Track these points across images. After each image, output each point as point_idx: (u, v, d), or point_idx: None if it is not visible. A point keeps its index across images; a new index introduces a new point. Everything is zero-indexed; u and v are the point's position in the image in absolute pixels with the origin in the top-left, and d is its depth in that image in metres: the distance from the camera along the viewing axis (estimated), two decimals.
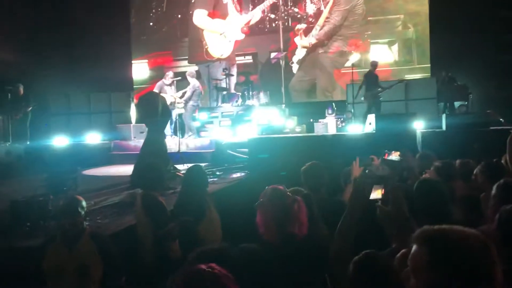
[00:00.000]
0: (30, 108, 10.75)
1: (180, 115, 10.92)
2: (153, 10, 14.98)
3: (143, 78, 14.96)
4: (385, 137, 7.15)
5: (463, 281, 1.23)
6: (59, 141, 10.60)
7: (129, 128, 11.16)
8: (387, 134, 7.28)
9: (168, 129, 10.27)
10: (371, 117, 8.75)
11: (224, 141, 9.59)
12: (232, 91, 12.40)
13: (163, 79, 11.31)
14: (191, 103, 10.89)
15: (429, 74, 12.54)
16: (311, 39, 13.48)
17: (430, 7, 12.50)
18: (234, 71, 13.39)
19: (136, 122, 11.41)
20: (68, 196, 3.37)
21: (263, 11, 13.80)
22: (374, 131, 8.14)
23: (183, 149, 9.31)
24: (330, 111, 11.13)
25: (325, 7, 13.40)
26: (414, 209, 2.45)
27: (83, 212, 3.13)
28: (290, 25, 13.78)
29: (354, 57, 12.96)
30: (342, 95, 12.78)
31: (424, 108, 10.44)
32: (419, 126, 8.21)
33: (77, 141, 10.83)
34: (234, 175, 7.49)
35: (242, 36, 13.85)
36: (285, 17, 13.83)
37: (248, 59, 14.13)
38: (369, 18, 13.13)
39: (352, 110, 10.91)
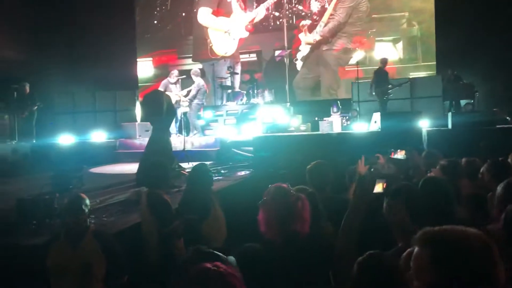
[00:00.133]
0: (36, 107, 10.80)
1: (185, 114, 10.94)
2: (158, 8, 14.99)
3: (147, 76, 15.00)
4: (390, 135, 7.12)
5: (465, 282, 1.23)
6: (65, 139, 10.66)
7: (134, 127, 11.19)
8: (392, 133, 7.25)
9: (173, 128, 10.30)
10: (377, 116, 8.72)
11: (229, 139, 9.59)
12: (237, 89, 12.41)
13: (168, 78, 11.33)
14: (196, 101, 10.90)
15: (434, 72, 12.48)
16: (315, 36, 13.46)
17: (436, 4, 12.43)
18: (238, 69, 13.40)
19: (141, 121, 11.44)
20: (72, 194, 3.37)
21: (267, 9, 13.79)
22: (379, 130, 8.12)
23: (188, 147, 9.33)
24: (335, 109, 11.10)
25: (329, 4, 13.36)
26: (419, 207, 2.43)
27: (86, 210, 3.13)
28: (294, 22, 13.75)
29: (358, 55, 12.92)
30: (347, 93, 12.75)
31: (429, 106, 10.39)
32: (424, 124, 8.18)
33: (83, 139, 10.88)
34: (239, 174, 7.50)
35: (246, 34, 13.85)
36: (289, 15, 13.80)
37: (253, 57, 14.12)
38: (373, 16, 13.07)
39: (357, 108, 10.88)
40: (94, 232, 3.18)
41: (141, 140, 10.24)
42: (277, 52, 13.88)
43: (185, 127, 10.32)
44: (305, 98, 13.45)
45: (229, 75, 12.12)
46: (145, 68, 15.06)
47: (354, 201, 2.39)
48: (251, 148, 8.48)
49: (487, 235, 1.31)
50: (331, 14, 13.32)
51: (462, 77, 11.24)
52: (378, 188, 2.72)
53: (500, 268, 1.25)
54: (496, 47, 11.02)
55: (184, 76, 11.47)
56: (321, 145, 7.62)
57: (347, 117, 11.15)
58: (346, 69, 13.18)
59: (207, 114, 11.14)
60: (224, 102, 11.91)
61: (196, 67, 12.57)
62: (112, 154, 10.17)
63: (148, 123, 8.60)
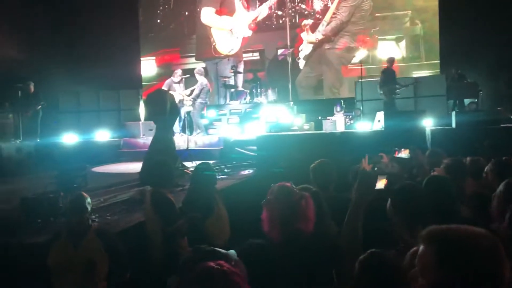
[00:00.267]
0: (40, 106, 10.84)
1: (188, 113, 10.95)
2: (161, 8, 15.01)
3: (150, 75, 15.02)
4: (394, 134, 7.11)
5: (472, 280, 1.22)
6: (69, 138, 10.70)
7: (138, 126, 11.22)
8: (396, 132, 7.23)
9: (176, 127, 10.32)
10: (380, 115, 8.71)
11: (232, 138, 9.60)
12: (240, 88, 12.41)
13: (172, 77, 11.35)
14: (199, 100, 10.91)
15: (437, 71, 12.45)
16: (317, 35, 13.45)
17: (440, 3, 12.39)
18: (241, 68, 13.42)
19: (145, 120, 11.46)
20: (73, 193, 3.37)
21: (270, 8, 13.79)
22: (383, 129, 8.11)
23: (192, 146, 9.36)
24: (338, 109, 11.09)
25: (332, 3, 13.35)
26: (423, 206, 2.43)
27: (89, 209, 3.13)
28: (297, 21, 13.74)
29: (361, 53, 12.91)
30: (349, 92, 12.73)
31: (433, 105, 10.37)
32: (428, 123, 8.16)
33: (87, 138, 10.92)
34: (243, 172, 7.51)
35: (249, 33, 13.86)
36: (292, 14, 13.79)
37: (256, 56, 14.12)
38: (376, 14, 13.05)
39: (361, 108, 10.87)
40: (96, 230, 3.19)
41: (145, 139, 10.27)
42: (280, 51, 13.87)
43: (189, 126, 10.34)
44: (307, 97, 13.44)
45: (232, 74, 12.13)
46: (148, 67, 15.08)
47: (355, 198, 2.38)
48: (254, 147, 8.48)
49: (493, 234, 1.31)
50: (334, 13, 13.30)
51: (466, 76, 11.20)
52: (380, 184, 2.72)
53: (506, 267, 1.25)
54: (500, 46, 10.97)
55: (187, 75, 11.49)
56: (324, 144, 7.61)
57: (350, 116, 11.15)
58: (349, 67, 13.16)
59: (211, 113, 11.15)
60: (228, 101, 11.92)
61: (199, 66, 12.59)
62: (116, 153, 10.19)
63: (152, 122, 8.62)
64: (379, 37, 13.04)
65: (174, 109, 7.31)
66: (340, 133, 8.98)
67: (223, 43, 13.99)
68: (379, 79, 10.42)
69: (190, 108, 10.99)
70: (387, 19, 13.03)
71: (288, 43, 13.49)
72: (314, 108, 12.06)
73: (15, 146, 9.44)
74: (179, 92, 10.88)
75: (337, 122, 10.44)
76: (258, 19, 13.83)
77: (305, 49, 13.60)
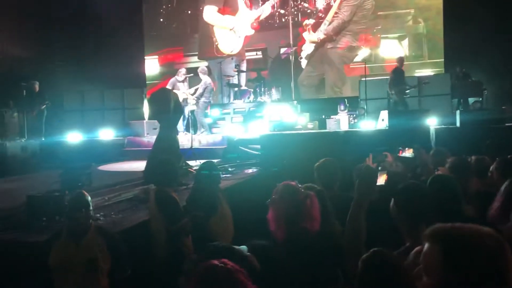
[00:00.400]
0: (44, 106, 10.89)
1: (192, 112, 10.96)
2: (163, 6, 15.00)
3: (153, 74, 15.02)
4: (398, 133, 7.10)
5: (477, 279, 1.22)
6: (73, 137, 10.73)
7: (142, 125, 11.25)
8: (400, 131, 7.22)
9: (180, 126, 10.33)
10: (384, 113, 8.69)
11: (236, 137, 9.60)
12: (244, 87, 12.41)
13: (176, 76, 11.36)
14: (203, 99, 10.92)
15: (440, 69, 12.39)
16: (319, 34, 13.42)
17: (444, 1, 12.33)
18: (244, 66, 13.40)
19: (149, 119, 11.48)
20: (74, 192, 3.38)
21: (273, 6, 13.76)
22: (387, 128, 8.09)
23: (196, 145, 9.36)
24: (342, 107, 11.05)
25: (334, 2, 13.32)
26: (427, 205, 2.43)
27: (89, 207, 3.13)
28: (299, 20, 13.71)
29: (363, 52, 12.88)
30: (352, 90, 12.70)
31: (437, 104, 10.33)
32: (432, 122, 8.13)
33: (91, 137, 10.95)
34: (246, 171, 7.51)
35: (252, 32, 13.84)
36: (295, 12, 13.76)
37: (258, 54, 14.10)
38: (379, 13, 12.99)
39: (365, 107, 10.84)
40: (96, 228, 3.20)
41: (149, 138, 10.29)
42: (282, 50, 13.86)
43: (193, 125, 10.35)
44: (309, 96, 13.41)
45: (236, 73, 12.13)
46: (151, 66, 15.08)
47: (356, 196, 2.38)
48: (258, 146, 8.48)
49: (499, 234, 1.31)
50: (336, 13, 13.27)
51: (470, 74, 11.15)
52: (381, 180, 2.71)
53: (511, 266, 1.24)
54: (505, 44, 10.91)
55: (191, 74, 11.50)
56: (328, 143, 7.60)
57: (354, 115, 11.11)
58: (351, 66, 13.13)
59: (214, 112, 11.15)
60: (231, 100, 11.92)
61: (202, 65, 12.60)
62: (120, 152, 10.23)
63: (156, 121, 8.64)
64: (381, 36, 13.01)
65: (178, 108, 7.31)
66: (344, 132, 8.96)
67: (225, 42, 13.97)
68: (382, 78, 10.43)
69: (194, 107, 11.00)
70: (390, 17, 12.98)
71: (291, 42, 13.47)
72: (317, 107, 12.03)
73: (20, 145, 9.49)
74: (183, 91, 10.89)
75: (341, 121, 10.40)
76: (261, 18, 13.81)
77: (307, 48, 13.57)
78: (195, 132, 10.40)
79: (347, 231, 2.32)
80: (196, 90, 11.06)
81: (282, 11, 13.85)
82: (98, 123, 11.92)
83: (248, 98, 11.64)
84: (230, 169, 7.62)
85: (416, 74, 12.10)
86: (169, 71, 14.01)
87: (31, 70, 12.11)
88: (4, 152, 8.85)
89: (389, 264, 1.69)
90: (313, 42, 13.51)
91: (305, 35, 13.53)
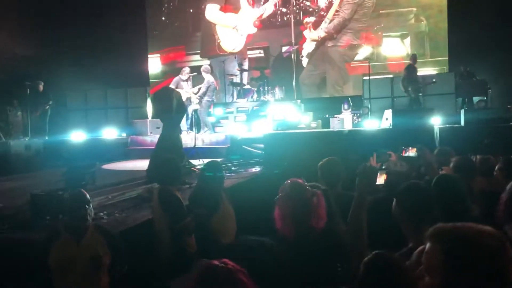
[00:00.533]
0: (48, 106, 10.92)
1: (195, 111, 10.98)
2: (165, 5, 15.00)
3: (155, 73, 15.05)
4: (402, 132, 7.08)
5: (479, 279, 1.22)
6: (77, 136, 10.76)
7: (145, 124, 11.27)
8: (404, 130, 7.20)
9: (184, 125, 10.34)
10: (388, 113, 8.67)
11: (239, 136, 9.60)
12: (246, 86, 12.41)
13: (180, 75, 11.38)
14: (206, 98, 10.93)
15: (442, 68, 12.36)
16: (320, 32, 13.40)
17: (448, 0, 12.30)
18: (246, 65, 13.40)
19: (152, 118, 11.50)
20: (73, 191, 3.37)
21: (275, 5, 13.75)
22: (391, 127, 8.07)
23: (199, 144, 9.37)
24: (346, 107, 11.04)
25: (335, 0, 13.30)
26: (430, 205, 2.41)
27: (88, 206, 3.13)
28: (301, 18, 13.70)
29: (365, 51, 12.85)
30: (354, 89, 12.67)
31: (442, 103, 10.32)
32: (436, 121, 8.10)
33: (94, 136, 10.98)
34: (250, 170, 7.51)
35: (254, 30, 13.84)
36: (297, 11, 13.75)
37: (260, 53, 14.09)
38: (381, 11, 12.97)
39: (369, 106, 10.82)
40: (95, 226, 3.21)
41: (152, 137, 10.31)
42: (284, 48, 13.84)
43: (196, 124, 10.36)
44: (311, 95, 13.38)
45: (238, 72, 12.13)
46: (153, 64, 15.10)
47: (357, 195, 2.37)
48: (261, 145, 8.48)
49: (503, 234, 1.30)
50: (336, 11, 13.25)
51: (475, 73, 11.11)
52: (381, 179, 2.70)
53: None
54: (510, 43, 10.86)
55: (195, 73, 11.51)
56: (332, 142, 7.58)
57: (358, 114, 11.10)
58: (352, 65, 13.11)
59: (218, 111, 11.16)
60: (235, 99, 11.92)
61: (205, 63, 12.60)
62: (124, 151, 10.25)
63: (159, 120, 8.65)
64: (384, 34, 12.98)
65: (181, 107, 7.31)
66: (348, 131, 8.94)
67: (227, 41, 13.97)
68: (386, 76, 10.43)
69: (197, 106, 11.01)
70: (392, 16, 12.95)
71: (293, 40, 13.46)
72: (321, 106, 12.01)
73: (24, 144, 9.52)
74: (186, 90, 10.90)
75: (344, 120, 10.40)
76: (264, 16, 13.81)
77: (307, 47, 13.56)
78: (198, 131, 10.41)
79: (350, 229, 2.32)
80: (199, 89, 11.07)
81: (284, 10, 13.84)
82: (102, 122, 11.96)
83: (252, 97, 11.64)
84: (233, 168, 7.62)
85: (419, 73, 12.06)
86: (171, 69, 14.03)
87: (34, 69, 12.15)
88: (8, 150, 8.88)
89: (391, 267, 1.67)
90: (314, 40, 13.49)
91: (306, 33, 13.52)
